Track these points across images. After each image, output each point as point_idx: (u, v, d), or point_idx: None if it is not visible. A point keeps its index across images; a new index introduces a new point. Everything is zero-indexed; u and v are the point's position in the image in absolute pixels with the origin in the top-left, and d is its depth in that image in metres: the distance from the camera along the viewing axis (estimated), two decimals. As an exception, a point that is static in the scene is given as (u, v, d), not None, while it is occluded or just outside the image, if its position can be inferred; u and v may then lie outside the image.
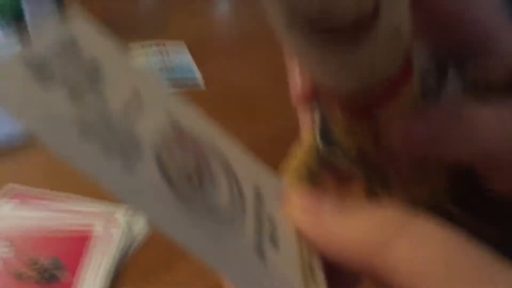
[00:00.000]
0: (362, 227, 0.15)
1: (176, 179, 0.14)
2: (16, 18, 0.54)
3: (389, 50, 0.17)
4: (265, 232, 0.16)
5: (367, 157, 0.22)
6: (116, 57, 0.16)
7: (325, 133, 0.22)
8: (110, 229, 0.38)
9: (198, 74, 0.66)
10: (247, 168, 0.18)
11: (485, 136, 0.18)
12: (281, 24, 0.16)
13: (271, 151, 0.45)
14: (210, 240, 0.14)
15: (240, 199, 0.16)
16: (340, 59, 0.16)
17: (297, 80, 0.21)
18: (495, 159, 0.19)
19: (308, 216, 0.16)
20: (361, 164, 0.22)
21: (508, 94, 0.19)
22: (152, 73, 0.18)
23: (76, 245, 0.37)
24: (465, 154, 0.18)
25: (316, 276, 0.16)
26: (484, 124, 0.18)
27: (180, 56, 0.69)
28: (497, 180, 0.21)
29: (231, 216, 0.15)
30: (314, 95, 0.21)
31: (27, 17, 0.53)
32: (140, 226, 0.38)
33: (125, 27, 0.73)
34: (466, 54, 0.20)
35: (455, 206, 0.24)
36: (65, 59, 0.14)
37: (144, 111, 0.15)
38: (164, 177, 0.14)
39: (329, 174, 0.25)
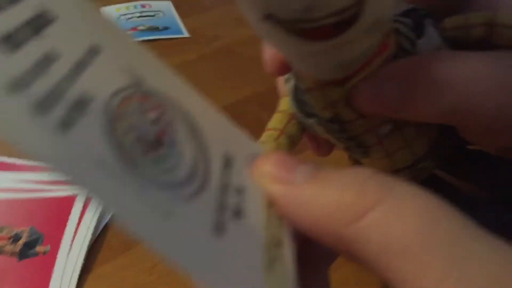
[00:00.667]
0: (336, 196, 0.13)
1: (128, 148, 0.13)
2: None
3: (368, 39, 0.16)
4: (230, 205, 0.14)
5: (344, 126, 0.20)
6: (76, 7, 0.14)
7: (300, 103, 0.21)
8: (92, 200, 0.36)
9: (186, 34, 0.64)
10: (220, 132, 0.16)
11: (455, 92, 0.17)
12: (254, 18, 0.15)
13: (259, 111, 0.43)
14: (157, 219, 0.12)
15: (205, 170, 0.14)
16: (317, 52, 0.16)
17: (271, 52, 0.20)
18: (468, 114, 0.18)
19: (279, 184, 0.15)
20: (339, 133, 0.20)
21: (484, 47, 0.18)
22: (119, 26, 0.15)
23: (57, 216, 0.36)
24: (436, 111, 0.17)
25: (284, 250, 0.15)
26: (455, 80, 0.17)
27: (167, 16, 0.67)
28: (472, 134, 0.20)
29: (188, 191, 0.13)
30: (288, 69, 0.20)
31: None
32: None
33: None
34: (446, 11, 0.19)
35: (432, 163, 0.23)
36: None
37: (101, 70, 0.13)
38: (112, 144, 0.12)
39: (310, 141, 0.24)
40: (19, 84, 0.11)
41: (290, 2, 0.14)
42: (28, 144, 0.10)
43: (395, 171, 0.22)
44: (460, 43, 0.19)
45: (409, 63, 0.18)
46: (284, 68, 0.20)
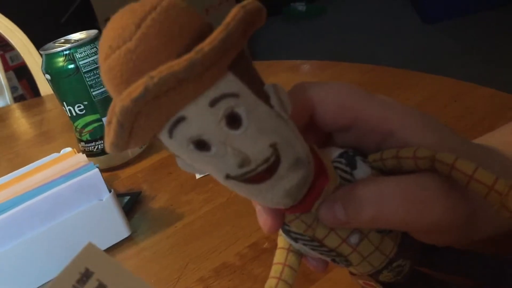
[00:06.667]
0: None
1: None
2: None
3: (297, 173, 0.22)
4: None
5: (322, 242, 0.26)
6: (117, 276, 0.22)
7: (288, 234, 0.27)
8: None
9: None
10: None
11: (372, 208, 0.24)
12: (220, 179, 0.22)
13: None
14: None
15: None
16: (266, 189, 0.22)
17: (262, 219, 0.26)
18: (404, 224, 0.25)
19: None
20: (320, 247, 0.27)
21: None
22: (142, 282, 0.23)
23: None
24: (365, 220, 0.24)
25: None
26: (369, 199, 0.24)
27: None
28: (415, 235, 0.26)
29: None
30: (278, 224, 0.26)
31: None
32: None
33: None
34: (369, 149, 0.27)
35: (405, 261, 0.28)
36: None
37: None
38: None
39: (307, 263, 0.29)
40: None
41: (230, 163, 0.21)
42: None
43: (376, 272, 0.27)
44: (387, 170, 0.26)
45: (344, 190, 0.25)
46: (275, 228, 0.26)
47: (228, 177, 0.21)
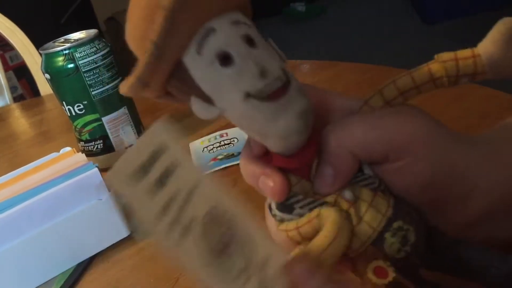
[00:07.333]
0: None
1: (213, 248, 0.23)
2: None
3: (303, 99, 0.25)
4: None
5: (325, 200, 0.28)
6: (187, 162, 0.23)
7: (287, 206, 0.28)
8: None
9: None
10: (260, 241, 0.25)
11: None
12: (238, 100, 0.24)
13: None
14: None
15: (249, 269, 0.23)
16: (281, 109, 0.24)
17: (270, 182, 0.27)
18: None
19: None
20: (321, 206, 0.28)
21: None
22: (206, 172, 0.24)
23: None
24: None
25: None
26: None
27: (241, 142, 0.67)
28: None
29: (240, 283, 0.23)
30: (287, 184, 0.27)
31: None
32: None
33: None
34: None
35: (407, 226, 0.28)
36: (153, 162, 0.22)
37: (197, 202, 0.23)
38: (206, 246, 0.22)
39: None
40: (159, 215, 0.21)
41: (252, 73, 0.23)
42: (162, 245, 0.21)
43: (380, 239, 0.27)
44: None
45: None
46: (284, 189, 0.27)
47: (248, 95, 0.24)
